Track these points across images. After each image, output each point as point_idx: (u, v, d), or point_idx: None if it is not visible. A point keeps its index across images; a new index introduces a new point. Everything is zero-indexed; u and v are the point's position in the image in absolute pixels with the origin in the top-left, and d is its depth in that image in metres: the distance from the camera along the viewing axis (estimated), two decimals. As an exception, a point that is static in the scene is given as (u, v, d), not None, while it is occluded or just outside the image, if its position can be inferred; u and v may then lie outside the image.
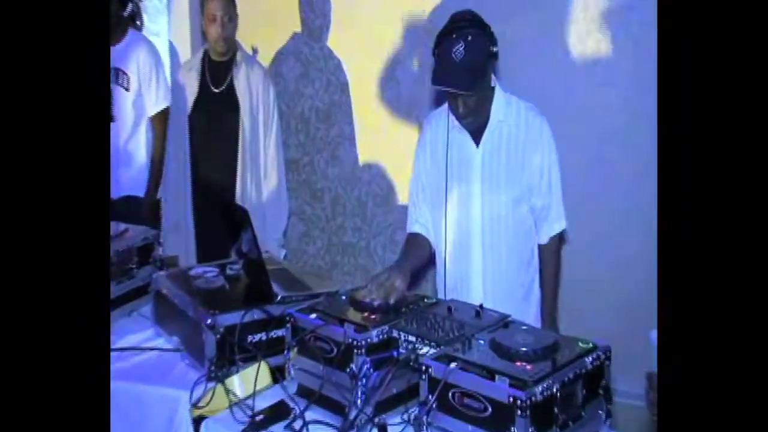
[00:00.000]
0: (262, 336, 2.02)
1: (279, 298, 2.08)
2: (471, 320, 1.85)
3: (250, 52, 3.61)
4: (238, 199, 3.27)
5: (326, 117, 3.89)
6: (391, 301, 1.94)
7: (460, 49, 2.08)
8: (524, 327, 1.80)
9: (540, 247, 2.38)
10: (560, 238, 2.40)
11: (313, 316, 1.90)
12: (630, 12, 3.01)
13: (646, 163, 2.93)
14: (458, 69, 2.09)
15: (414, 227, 2.43)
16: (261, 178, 3.33)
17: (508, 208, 2.28)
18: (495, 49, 2.17)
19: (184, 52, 4.07)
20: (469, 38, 2.09)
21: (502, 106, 2.27)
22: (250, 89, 3.27)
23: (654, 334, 1.75)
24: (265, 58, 3.85)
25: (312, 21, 3.85)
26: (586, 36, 3.11)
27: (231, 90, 3.27)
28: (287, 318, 1.93)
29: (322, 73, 3.87)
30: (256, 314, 2.02)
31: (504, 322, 1.83)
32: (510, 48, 3.15)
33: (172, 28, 4.08)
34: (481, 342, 1.69)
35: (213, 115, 3.31)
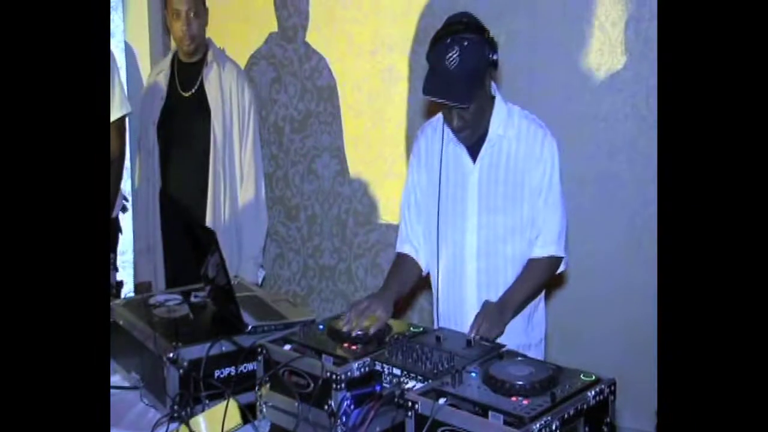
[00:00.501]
0: (231, 370, 2.04)
1: (249, 328, 2.10)
2: (462, 351, 1.88)
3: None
4: (210, 214, 3.28)
5: (302, 127, 3.92)
6: (371, 331, 1.98)
7: (455, 56, 2.09)
8: (520, 358, 1.84)
9: (529, 259, 2.32)
10: (551, 265, 2.33)
11: (288, 347, 1.93)
12: (641, 7, 3.06)
13: (656, 177, 2.99)
14: (453, 78, 2.10)
15: (404, 247, 2.45)
16: (236, 189, 3.34)
17: (506, 232, 2.30)
18: (494, 57, 2.18)
19: (143, 55, 4.11)
20: (466, 44, 2.10)
21: (502, 118, 2.28)
22: (222, 91, 3.28)
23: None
24: (238, 61, 3.87)
25: (285, 19, 3.90)
26: (589, 36, 3.17)
27: (201, 93, 3.29)
28: (259, 350, 1.95)
29: (297, 78, 3.91)
30: (224, 346, 2.04)
31: (498, 352, 1.87)
32: (504, 50, 3.21)
33: (128, 26, 4.11)
34: (473, 375, 1.72)
35: (183, 122, 3.32)
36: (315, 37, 3.85)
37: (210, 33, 3.40)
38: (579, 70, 3.20)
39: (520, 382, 1.64)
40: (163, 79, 3.35)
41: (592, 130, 3.17)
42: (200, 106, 3.28)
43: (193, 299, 2.39)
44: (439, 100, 2.14)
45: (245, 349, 2.03)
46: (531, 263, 2.31)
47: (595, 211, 3.17)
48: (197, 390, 1.98)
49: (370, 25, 3.67)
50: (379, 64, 3.67)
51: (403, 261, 2.44)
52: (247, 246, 3.35)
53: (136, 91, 4.02)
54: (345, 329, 1.98)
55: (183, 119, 3.32)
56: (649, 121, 3.05)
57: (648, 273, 3.03)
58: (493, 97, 2.30)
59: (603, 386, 1.67)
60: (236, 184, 3.33)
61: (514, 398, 1.61)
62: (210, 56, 3.31)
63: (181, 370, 1.98)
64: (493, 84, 2.30)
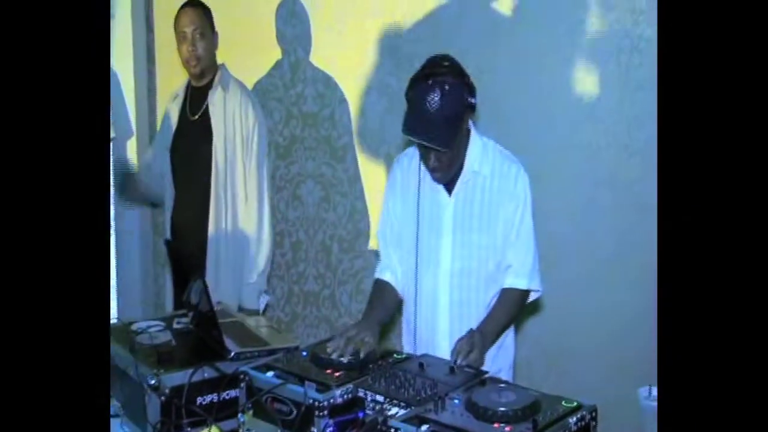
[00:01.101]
0: (213, 397, 2.04)
1: (232, 354, 2.11)
2: (445, 377, 1.90)
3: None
4: (212, 239, 3.29)
5: (286, 153, 3.95)
6: (361, 357, 2.00)
7: (436, 98, 2.13)
8: (502, 385, 1.85)
9: (501, 290, 2.38)
10: (524, 296, 2.41)
11: (271, 374, 1.93)
12: (623, 38, 3.10)
13: (638, 206, 3.03)
14: (434, 120, 2.14)
15: (384, 274, 2.49)
16: (239, 213, 3.34)
17: (480, 263, 2.35)
18: (473, 101, 2.23)
19: (127, 80, 4.13)
20: (447, 87, 2.14)
21: (477, 154, 2.34)
22: (225, 113, 3.30)
23: (642, 391, 1.82)
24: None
25: (273, 46, 3.94)
26: (570, 65, 3.22)
27: (206, 116, 3.32)
28: (241, 376, 1.95)
29: (282, 104, 3.94)
30: (206, 373, 2.05)
31: (481, 379, 1.88)
32: (486, 77, 3.25)
33: (112, 52, 4.13)
34: (456, 401, 1.74)
35: (189, 146, 3.36)
36: (300, 63, 3.88)
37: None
38: (560, 99, 3.24)
39: (503, 409, 1.66)
40: (176, 106, 3.40)
41: (574, 159, 3.20)
42: (205, 129, 3.31)
43: (176, 325, 2.39)
44: (420, 141, 2.19)
45: (228, 376, 2.03)
46: (505, 294, 2.38)
47: (577, 240, 3.20)
48: (179, 417, 1.98)
49: (355, 50, 3.71)
50: (363, 89, 3.71)
51: (383, 288, 2.48)
52: (248, 272, 3.34)
53: (119, 116, 4.05)
54: (334, 355, 2.00)
55: (189, 143, 3.36)
56: (631, 150, 3.09)
57: (631, 302, 3.06)
58: (468, 131, 2.34)
59: (585, 412, 1.70)
60: (238, 208, 3.33)
61: (496, 425, 1.62)
62: (217, 80, 3.34)
63: (162, 397, 1.98)
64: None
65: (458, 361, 2.01)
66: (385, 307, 2.42)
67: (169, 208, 3.42)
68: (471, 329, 2.21)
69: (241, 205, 3.33)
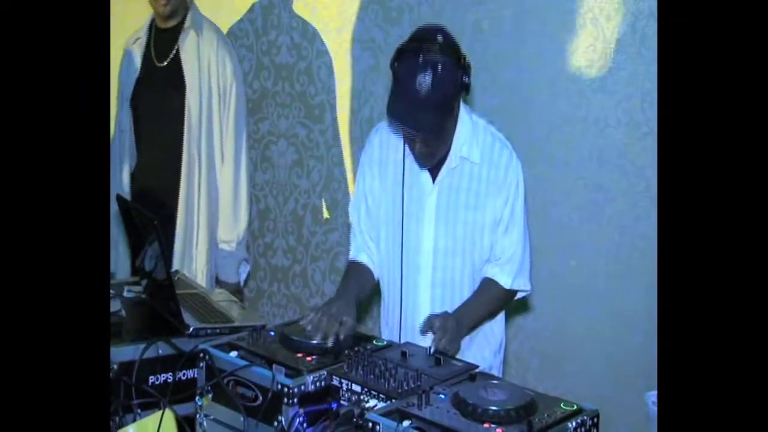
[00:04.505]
0: (168, 377, 2.03)
1: (191, 330, 2.10)
2: (430, 369, 1.89)
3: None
4: (183, 203, 3.23)
5: (256, 108, 3.91)
6: (342, 337, 2.01)
7: (427, 80, 2.09)
8: (495, 381, 1.85)
9: (489, 279, 2.38)
10: (507, 293, 2.41)
11: (234, 354, 1.92)
12: (639, 1, 3.07)
13: (649, 192, 3.04)
14: (422, 104, 2.10)
15: (360, 256, 2.48)
16: (215, 174, 3.31)
17: (464, 259, 2.34)
18: (467, 80, 2.19)
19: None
20: (440, 68, 2.10)
21: (466, 136, 2.31)
22: (200, 61, 3.24)
23: (651, 395, 1.83)
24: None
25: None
26: (581, 30, 3.20)
27: (177, 63, 3.26)
28: (201, 355, 1.94)
29: (252, 52, 3.89)
30: (160, 349, 2.03)
31: (470, 373, 1.88)
32: (488, 38, 3.22)
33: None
34: (442, 396, 1.73)
35: (156, 96, 3.29)
36: (274, 7, 3.83)
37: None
38: (568, 67, 3.22)
39: (494, 408, 1.66)
40: (138, 49, 3.31)
41: (581, 135, 3.19)
42: (175, 78, 3.25)
43: (126, 294, 2.37)
44: (408, 128, 2.15)
45: (185, 354, 2.02)
46: (490, 285, 2.37)
47: (581, 224, 3.20)
48: (128, 397, 1.97)
49: (337, -1, 3.67)
50: (345, 42, 3.67)
51: (359, 269, 2.47)
52: (225, 240, 3.34)
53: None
54: (313, 332, 2.00)
55: (156, 92, 3.29)
56: (644, 129, 3.08)
57: (636, 295, 3.07)
58: (458, 111, 2.31)
59: (585, 417, 1.70)
60: (215, 169, 3.30)
61: (486, 425, 1.62)
62: (188, 21, 3.27)
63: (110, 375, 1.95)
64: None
65: (433, 342, 2.04)
66: (362, 285, 2.42)
67: (130, 166, 3.34)
68: (446, 312, 2.22)
69: (218, 165, 3.30)
